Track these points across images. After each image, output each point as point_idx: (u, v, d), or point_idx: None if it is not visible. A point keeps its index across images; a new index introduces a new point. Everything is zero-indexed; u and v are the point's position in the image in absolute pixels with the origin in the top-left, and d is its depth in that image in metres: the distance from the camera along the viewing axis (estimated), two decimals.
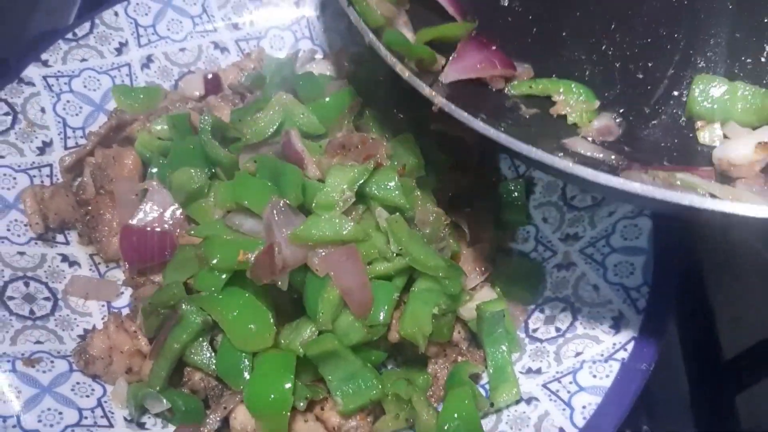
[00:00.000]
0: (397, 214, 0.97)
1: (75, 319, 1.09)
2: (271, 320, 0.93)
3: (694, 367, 1.23)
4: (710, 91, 0.89)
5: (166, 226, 1.06)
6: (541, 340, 1.00)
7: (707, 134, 0.88)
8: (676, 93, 0.94)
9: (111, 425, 0.96)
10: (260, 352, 0.93)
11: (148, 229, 1.05)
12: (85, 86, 1.30)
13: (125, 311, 1.11)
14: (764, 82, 0.90)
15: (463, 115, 0.78)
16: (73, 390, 0.98)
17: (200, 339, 0.94)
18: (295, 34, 1.43)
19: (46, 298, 1.09)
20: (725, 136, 0.87)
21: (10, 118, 1.22)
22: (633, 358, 0.90)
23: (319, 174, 0.98)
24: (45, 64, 1.28)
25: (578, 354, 0.94)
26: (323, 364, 0.92)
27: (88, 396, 0.98)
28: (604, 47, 0.99)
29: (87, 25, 1.33)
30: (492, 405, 0.93)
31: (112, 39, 1.35)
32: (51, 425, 0.92)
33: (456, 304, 0.99)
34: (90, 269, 1.16)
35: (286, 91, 1.12)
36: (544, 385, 0.93)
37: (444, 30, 0.99)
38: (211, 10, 1.41)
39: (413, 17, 1.02)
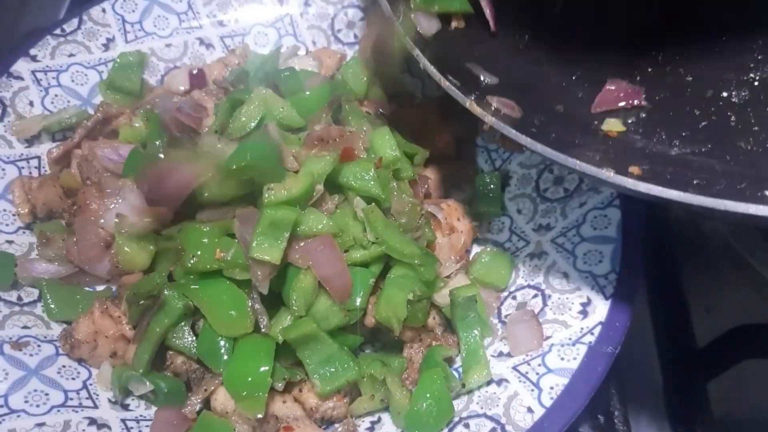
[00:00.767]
0: (374, 204, 0.99)
1: None
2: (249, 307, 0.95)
3: (667, 355, 1.25)
4: None
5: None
6: None
7: None
8: None
9: (96, 406, 0.97)
10: (241, 337, 0.94)
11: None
12: (72, 81, 1.32)
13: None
14: None
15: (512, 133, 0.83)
16: (59, 372, 1.00)
17: (182, 323, 0.96)
18: (278, 31, 1.44)
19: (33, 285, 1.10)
20: None
21: None
22: (599, 342, 0.92)
23: (297, 165, 1.00)
24: (34, 59, 1.30)
25: (547, 338, 0.97)
26: (301, 348, 0.93)
27: (74, 378, 1.00)
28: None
29: (75, 21, 1.34)
30: (464, 386, 0.96)
31: (99, 35, 1.36)
32: (37, 405, 0.94)
33: (430, 290, 1.01)
34: None
35: (269, 86, 1.14)
36: (514, 368, 0.96)
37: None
38: (197, 7, 1.42)
39: None
